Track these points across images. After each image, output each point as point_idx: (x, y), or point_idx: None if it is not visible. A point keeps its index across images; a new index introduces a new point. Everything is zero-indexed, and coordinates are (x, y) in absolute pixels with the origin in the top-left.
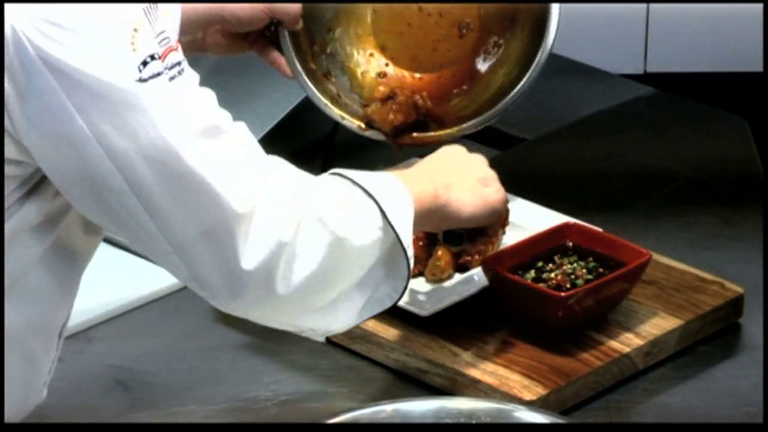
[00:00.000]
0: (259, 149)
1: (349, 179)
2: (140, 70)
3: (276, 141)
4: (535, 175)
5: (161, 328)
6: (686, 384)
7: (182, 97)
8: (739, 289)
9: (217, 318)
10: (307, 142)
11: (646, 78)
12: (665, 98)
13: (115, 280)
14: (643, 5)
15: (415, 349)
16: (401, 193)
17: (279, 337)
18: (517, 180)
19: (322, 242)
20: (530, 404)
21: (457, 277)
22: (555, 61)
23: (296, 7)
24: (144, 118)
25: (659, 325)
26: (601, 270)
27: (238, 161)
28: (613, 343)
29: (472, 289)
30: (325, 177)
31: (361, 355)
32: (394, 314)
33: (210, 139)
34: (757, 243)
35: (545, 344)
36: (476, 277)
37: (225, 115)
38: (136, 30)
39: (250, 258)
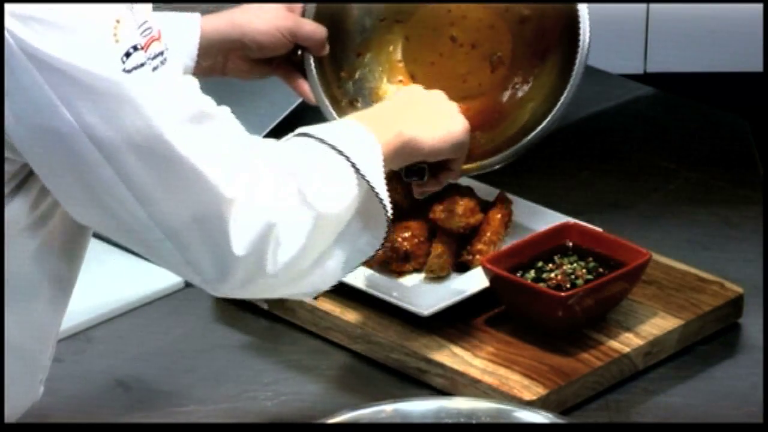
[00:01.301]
0: (244, 132)
1: (316, 138)
2: (123, 62)
3: None
4: (535, 175)
5: (161, 328)
6: (686, 384)
7: (167, 85)
8: (739, 289)
9: (217, 318)
10: None
11: (646, 78)
12: (665, 98)
13: (115, 280)
14: (643, 5)
15: (415, 349)
16: (367, 139)
17: (279, 337)
18: (518, 180)
19: (307, 220)
20: (530, 404)
21: (457, 276)
22: None
23: (321, 33)
24: (130, 107)
25: (659, 325)
26: (601, 270)
27: (225, 146)
28: (613, 343)
29: (472, 289)
30: (293, 140)
31: (361, 355)
32: (394, 314)
33: (197, 125)
34: (757, 243)
35: (545, 344)
36: (476, 277)
37: (209, 101)
38: (118, 21)
39: (240, 242)
